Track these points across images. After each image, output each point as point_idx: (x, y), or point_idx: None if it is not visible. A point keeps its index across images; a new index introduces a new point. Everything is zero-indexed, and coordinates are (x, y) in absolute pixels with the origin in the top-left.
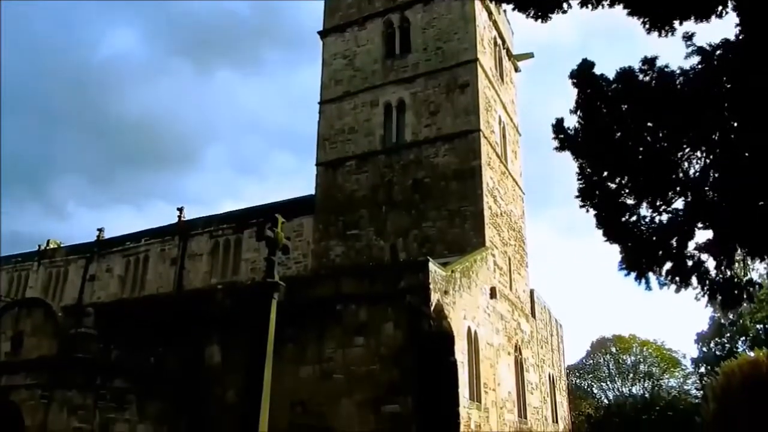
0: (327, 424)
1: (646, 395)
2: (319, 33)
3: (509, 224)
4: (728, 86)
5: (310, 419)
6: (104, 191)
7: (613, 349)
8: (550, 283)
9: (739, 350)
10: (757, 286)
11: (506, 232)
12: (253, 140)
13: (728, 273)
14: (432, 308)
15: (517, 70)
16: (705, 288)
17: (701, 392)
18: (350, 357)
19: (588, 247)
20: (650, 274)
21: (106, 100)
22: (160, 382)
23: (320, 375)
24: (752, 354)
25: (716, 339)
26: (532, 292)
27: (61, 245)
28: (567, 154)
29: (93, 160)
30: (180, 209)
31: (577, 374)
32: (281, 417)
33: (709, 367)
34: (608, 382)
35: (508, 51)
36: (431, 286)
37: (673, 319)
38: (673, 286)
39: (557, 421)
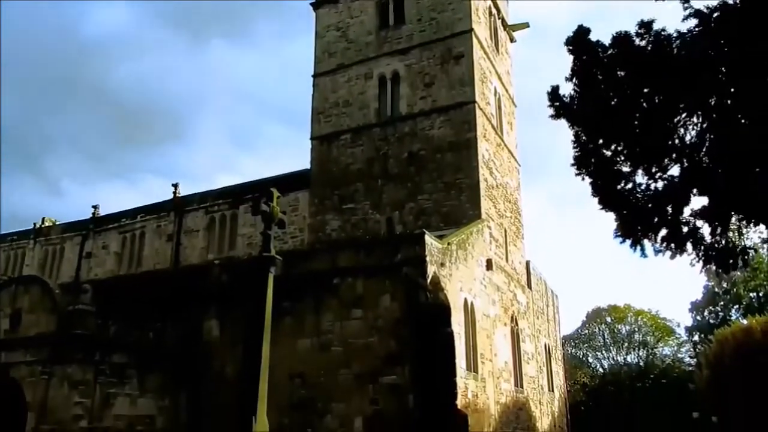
0: (326, 395)
1: (641, 364)
2: (312, 4)
3: (505, 196)
4: (726, 50)
5: (309, 391)
6: (98, 168)
7: (609, 319)
8: (546, 255)
9: (732, 318)
10: (751, 251)
11: (502, 204)
12: (247, 114)
13: (723, 239)
14: (428, 280)
15: (512, 40)
16: (700, 254)
17: (695, 360)
18: (348, 329)
19: (583, 218)
20: (645, 241)
21: (99, 74)
22: (160, 356)
23: (318, 347)
24: (745, 322)
25: (710, 307)
26: (528, 263)
27: (57, 223)
28: (563, 123)
29: (86, 137)
30: (175, 185)
31: (572, 344)
32: (280, 389)
33: (702, 335)
34: (603, 352)
35: (503, 21)
36: (428, 259)
37: (668, 289)
38: (668, 253)
39: (553, 390)
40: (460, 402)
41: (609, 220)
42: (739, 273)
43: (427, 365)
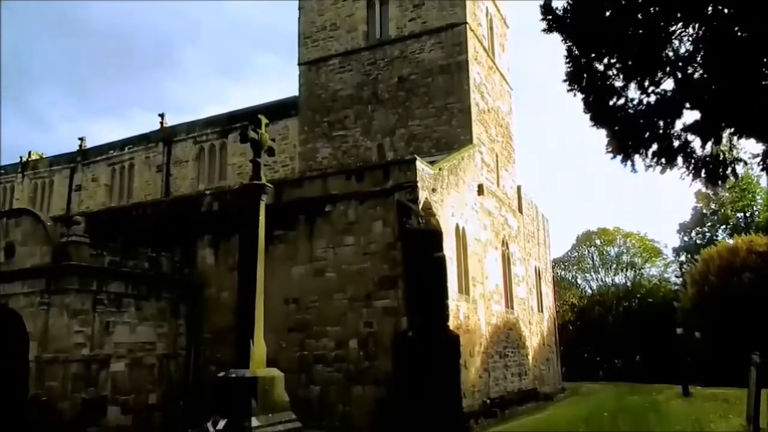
0: (321, 319)
1: (628, 284)
2: None
3: (496, 120)
4: None
5: (305, 315)
6: (83, 101)
7: (598, 242)
8: (538, 180)
9: (719, 238)
10: (741, 163)
11: (493, 129)
12: (234, 41)
13: (714, 152)
14: (420, 206)
15: None
16: (690, 167)
17: (681, 279)
18: (341, 255)
19: (575, 142)
20: (636, 156)
21: (83, 4)
22: (156, 285)
23: (312, 273)
24: (731, 241)
25: (697, 228)
26: (519, 188)
27: (44, 156)
28: (555, 39)
29: (71, 70)
30: (161, 115)
31: (562, 266)
32: (276, 313)
33: (689, 256)
34: (592, 273)
35: None
36: (419, 184)
37: (658, 213)
38: (659, 168)
39: (542, 311)
40: (452, 323)
41: (601, 138)
42: (727, 194)
43: (419, 289)
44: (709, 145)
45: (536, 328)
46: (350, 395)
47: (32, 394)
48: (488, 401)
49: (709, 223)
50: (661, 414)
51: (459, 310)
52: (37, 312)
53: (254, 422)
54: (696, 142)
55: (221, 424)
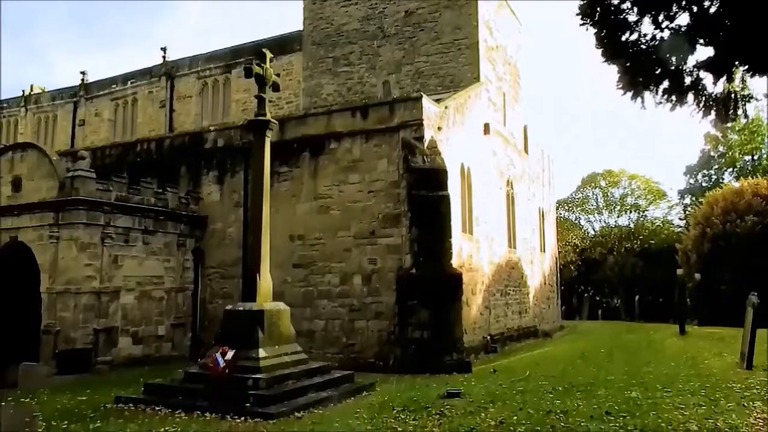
0: (325, 255)
1: (631, 226)
2: None
3: (504, 58)
4: None
5: (309, 251)
6: (84, 36)
7: (603, 183)
8: (545, 120)
9: (725, 181)
10: (753, 100)
11: (501, 67)
12: None
13: (726, 88)
14: (425, 144)
15: None
16: (701, 104)
17: (684, 222)
18: (345, 193)
19: (584, 83)
20: (646, 93)
21: None
22: (163, 220)
23: (317, 211)
24: (737, 184)
25: (704, 171)
26: (525, 128)
27: (46, 90)
28: None
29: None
30: (163, 49)
31: (566, 207)
32: (281, 249)
33: (694, 198)
34: (595, 215)
35: None
36: (425, 122)
37: (664, 156)
38: (669, 105)
39: (544, 250)
40: (455, 262)
41: (611, 80)
42: (735, 137)
43: (423, 227)
44: (721, 82)
45: (538, 268)
46: (354, 329)
47: (45, 324)
48: (489, 337)
49: (716, 166)
50: (656, 351)
51: (462, 249)
52: (46, 245)
53: (261, 353)
54: (708, 80)
55: (229, 354)
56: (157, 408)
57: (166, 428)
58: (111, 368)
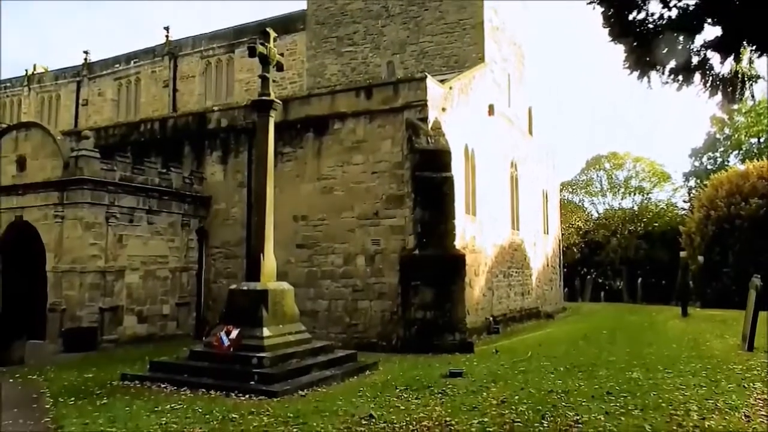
0: (329, 235)
1: (635, 208)
2: None
3: (509, 39)
4: None
5: (313, 231)
6: (87, 16)
7: (607, 165)
8: (550, 101)
9: (730, 164)
10: (761, 80)
11: (506, 48)
12: None
13: (733, 68)
14: (429, 125)
15: None
16: (708, 84)
17: (688, 204)
18: (349, 174)
19: (590, 64)
20: (653, 72)
21: None
22: (167, 200)
23: (320, 191)
24: (743, 167)
25: (709, 153)
26: (530, 109)
27: (48, 69)
28: None
29: None
30: (166, 28)
31: (570, 190)
32: (284, 230)
33: (699, 181)
34: (599, 197)
35: None
36: (429, 103)
37: (669, 139)
38: (675, 85)
39: (548, 232)
40: (458, 243)
41: (617, 61)
42: (742, 119)
43: (427, 208)
44: (728, 62)
45: (541, 250)
46: (357, 309)
47: (51, 302)
48: (491, 318)
49: (722, 149)
50: (658, 332)
51: (465, 231)
52: (51, 225)
53: (265, 332)
54: (715, 60)
55: (234, 333)
56: (162, 385)
57: (172, 405)
58: (116, 346)
